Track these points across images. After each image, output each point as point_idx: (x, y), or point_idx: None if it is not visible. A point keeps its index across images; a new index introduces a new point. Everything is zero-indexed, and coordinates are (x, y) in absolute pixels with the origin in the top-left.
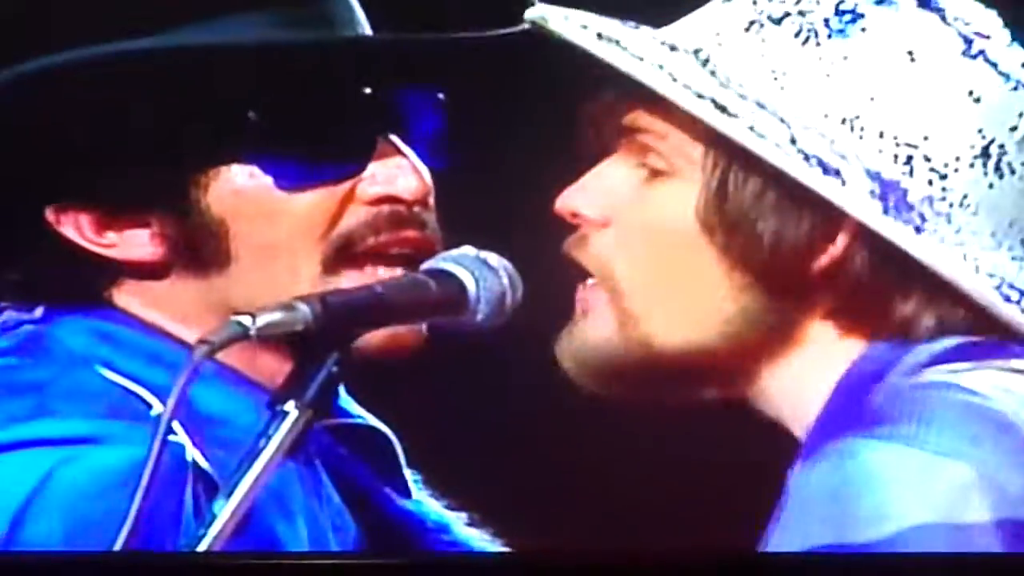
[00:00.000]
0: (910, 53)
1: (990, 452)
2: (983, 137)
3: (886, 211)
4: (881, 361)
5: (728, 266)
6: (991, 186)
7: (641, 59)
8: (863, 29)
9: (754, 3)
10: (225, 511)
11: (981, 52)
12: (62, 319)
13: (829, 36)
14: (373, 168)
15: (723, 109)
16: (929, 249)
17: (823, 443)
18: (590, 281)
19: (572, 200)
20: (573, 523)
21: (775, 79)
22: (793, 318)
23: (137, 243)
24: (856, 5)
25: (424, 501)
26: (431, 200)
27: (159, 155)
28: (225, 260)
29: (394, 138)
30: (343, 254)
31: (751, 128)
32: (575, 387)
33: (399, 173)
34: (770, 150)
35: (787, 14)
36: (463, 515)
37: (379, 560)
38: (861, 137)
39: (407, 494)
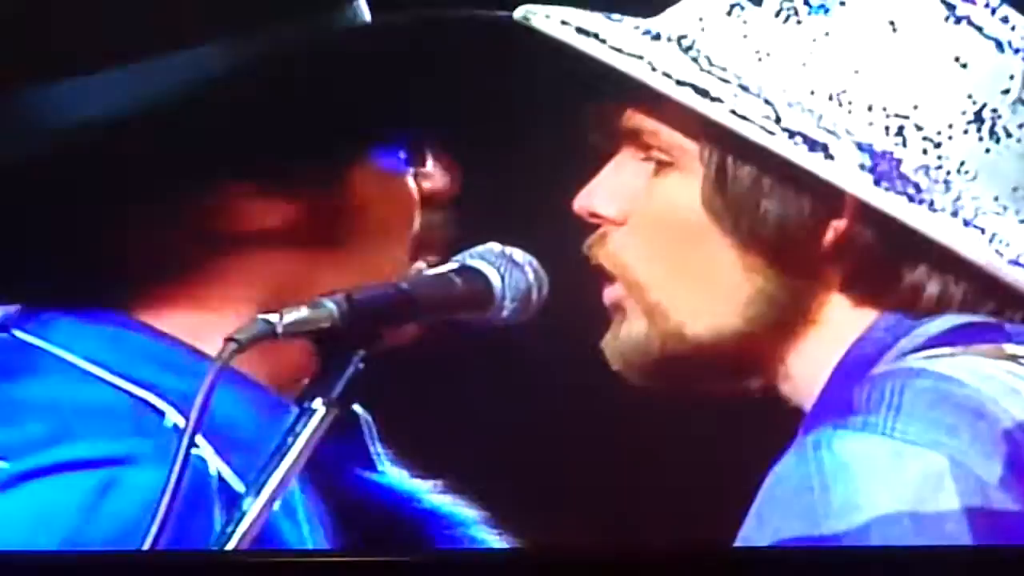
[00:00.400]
0: (892, 23)
1: (965, 441)
2: (974, 102)
3: (877, 182)
4: (878, 344)
5: (739, 249)
6: (987, 151)
7: (620, 50)
8: (842, 3)
9: None
10: (253, 508)
11: (965, 17)
12: (55, 322)
13: (810, 13)
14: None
15: (704, 93)
16: (922, 217)
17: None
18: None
19: (589, 200)
20: (583, 519)
21: (759, 60)
22: (808, 296)
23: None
24: None
25: (391, 472)
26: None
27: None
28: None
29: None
30: (423, 243)
31: (733, 111)
32: (595, 384)
33: (444, 172)
34: (754, 131)
35: None
36: (433, 483)
37: (382, 558)
38: (850, 111)
39: (373, 468)
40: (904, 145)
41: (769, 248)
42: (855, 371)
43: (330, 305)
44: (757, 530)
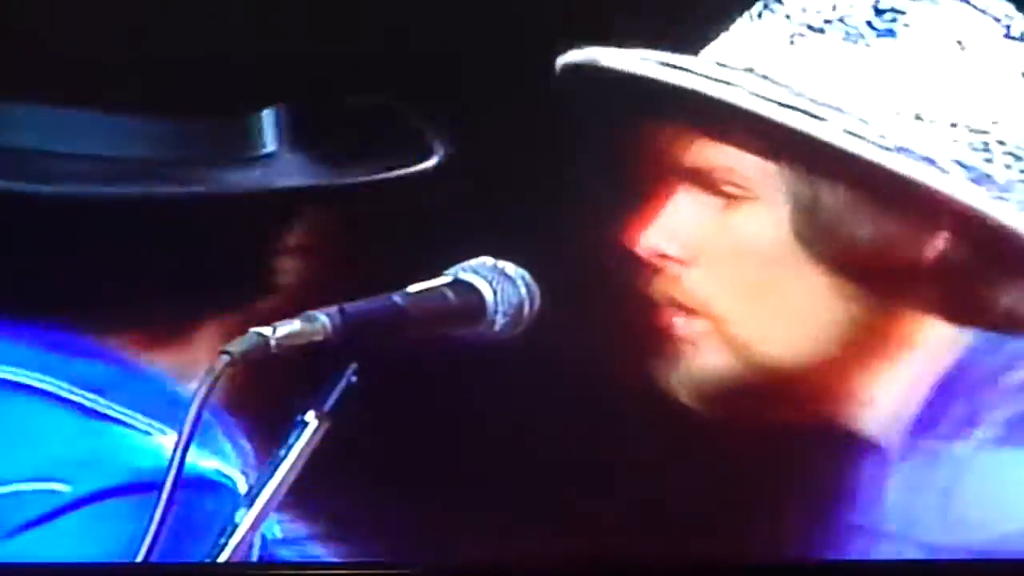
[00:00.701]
0: (959, 42)
1: None
2: None
3: (994, 197)
4: (985, 360)
5: (829, 275)
6: None
7: (717, 80)
8: (906, 25)
9: (787, 17)
10: (247, 519)
11: (1021, 32)
12: None
13: (877, 36)
14: None
15: (810, 114)
16: None
17: (937, 437)
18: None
19: (654, 240)
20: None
21: (836, 85)
22: (903, 318)
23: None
24: (894, 3)
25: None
26: None
27: None
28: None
29: None
30: None
31: (847, 130)
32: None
33: None
34: (869, 149)
35: (828, 21)
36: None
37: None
38: (935, 130)
39: None
40: (991, 161)
41: (863, 270)
42: (969, 383)
43: (323, 318)
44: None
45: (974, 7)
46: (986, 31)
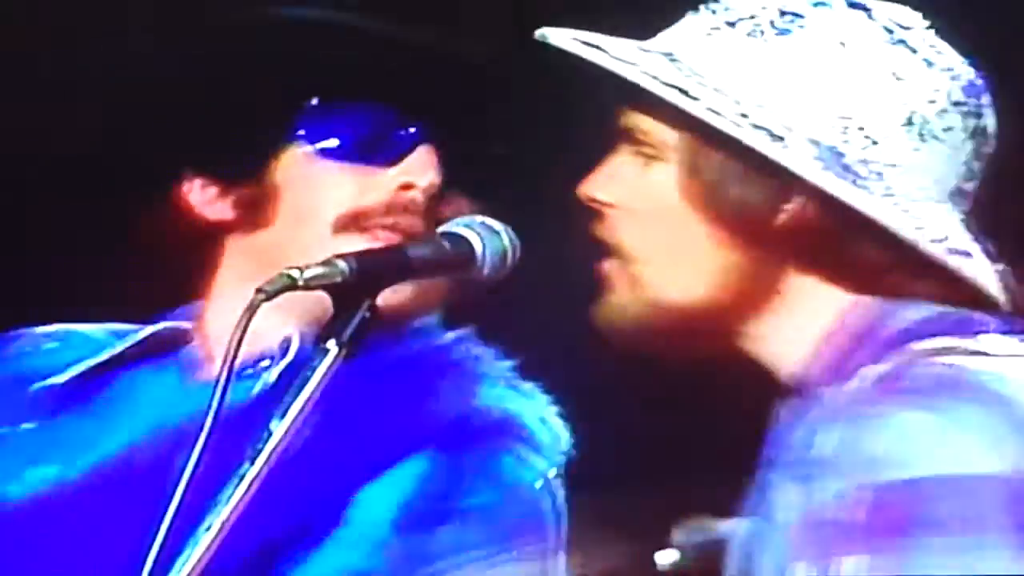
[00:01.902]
0: (842, 43)
1: (995, 421)
2: (907, 109)
3: (826, 169)
4: (866, 318)
5: (710, 229)
6: (916, 149)
7: (619, 59)
8: (801, 27)
9: (713, 13)
10: (278, 431)
11: (902, 40)
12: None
13: (776, 34)
14: (408, 163)
15: (685, 93)
16: (862, 198)
17: (822, 388)
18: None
19: (589, 188)
20: None
21: (732, 71)
22: (771, 271)
23: (220, 207)
24: (797, 7)
25: None
26: (442, 197)
27: (265, 125)
28: (269, 221)
29: (431, 146)
30: (355, 223)
31: (709, 108)
32: None
33: (425, 170)
34: (726, 124)
35: (740, 18)
36: None
37: None
38: (805, 112)
39: None
40: (848, 142)
41: (735, 227)
42: (853, 339)
43: (341, 264)
44: (830, 484)
45: (870, 16)
46: (871, 35)
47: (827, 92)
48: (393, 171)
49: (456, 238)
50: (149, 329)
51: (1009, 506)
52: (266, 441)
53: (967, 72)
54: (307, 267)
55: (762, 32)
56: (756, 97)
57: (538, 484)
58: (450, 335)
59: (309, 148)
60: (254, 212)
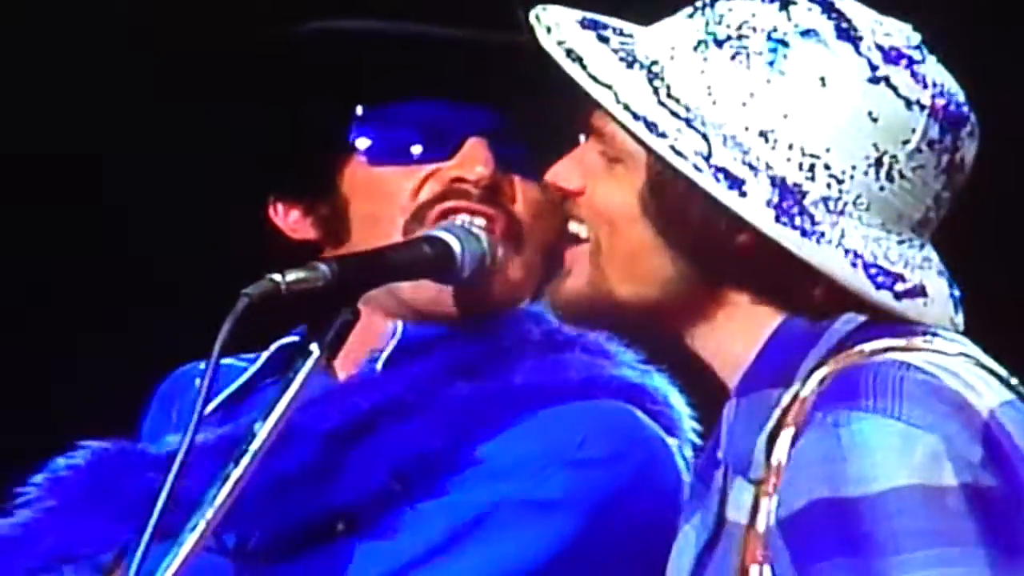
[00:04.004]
0: (822, 79)
1: (954, 427)
2: (877, 150)
3: (778, 218)
4: (802, 328)
5: (666, 242)
6: (882, 188)
7: (595, 79)
8: (785, 57)
9: (706, 24)
10: (263, 431)
11: (884, 78)
12: None
13: (759, 62)
14: (459, 157)
15: (653, 128)
16: (809, 249)
17: (756, 391)
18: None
19: (554, 174)
20: None
21: (709, 94)
22: (717, 285)
23: (305, 227)
24: (785, 35)
25: None
26: (498, 186)
27: (324, 143)
28: (348, 233)
29: (481, 139)
30: (418, 219)
31: (672, 147)
32: None
33: (475, 163)
34: (686, 167)
35: (729, 37)
36: None
37: None
38: (773, 148)
39: None
40: (812, 180)
41: (689, 246)
42: (791, 347)
43: (323, 267)
44: (791, 492)
45: (857, 50)
46: (853, 73)
47: (799, 130)
48: (445, 166)
49: (436, 241)
50: (272, 349)
51: (976, 517)
52: (250, 442)
53: (949, 103)
54: (289, 271)
55: (747, 57)
56: (727, 126)
57: (672, 443)
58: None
59: (364, 156)
60: (334, 228)
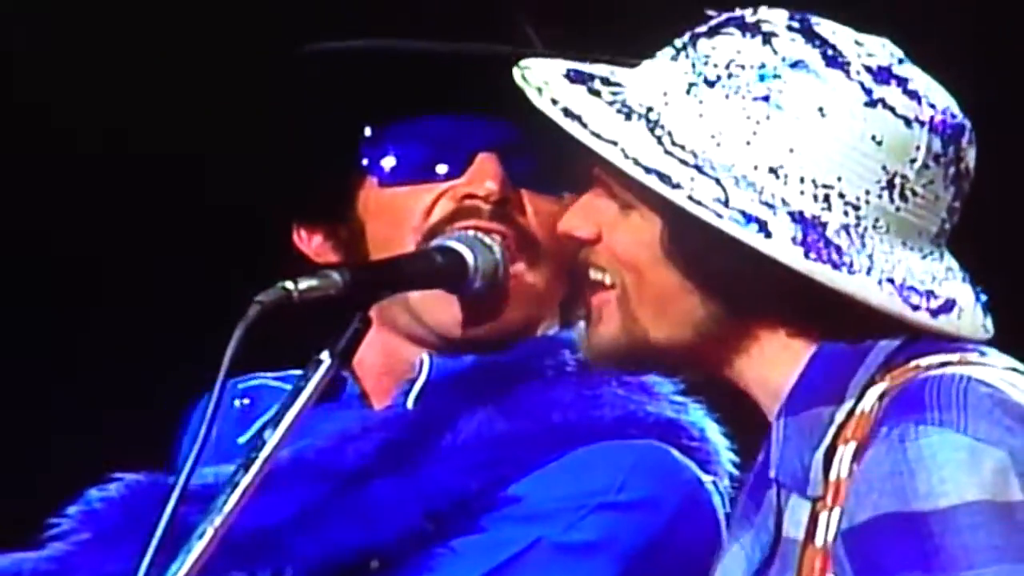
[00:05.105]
0: (820, 109)
1: (1019, 440)
2: (886, 172)
3: (807, 255)
4: (843, 349)
5: (692, 284)
6: (898, 209)
7: (599, 136)
8: (780, 91)
9: (693, 66)
10: (273, 439)
11: (880, 100)
12: None
13: (755, 99)
14: (469, 174)
15: (667, 180)
16: (843, 280)
17: (805, 411)
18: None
19: (567, 223)
20: None
21: (712, 137)
22: (750, 321)
23: (328, 251)
24: (775, 69)
25: None
26: (510, 201)
27: (338, 165)
28: (367, 255)
29: (490, 154)
30: (430, 239)
31: (690, 197)
32: None
33: (485, 178)
34: (707, 215)
35: (719, 77)
36: None
37: None
38: (785, 183)
39: None
40: (829, 210)
41: (719, 290)
42: (844, 365)
43: (335, 275)
44: (857, 505)
45: (847, 76)
46: (849, 99)
47: (807, 162)
48: (456, 184)
49: (448, 251)
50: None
51: None
52: (259, 449)
53: (946, 115)
54: (302, 279)
55: (742, 97)
56: (737, 167)
57: (707, 479)
58: None
59: (375, 177)
60: (354, 250)
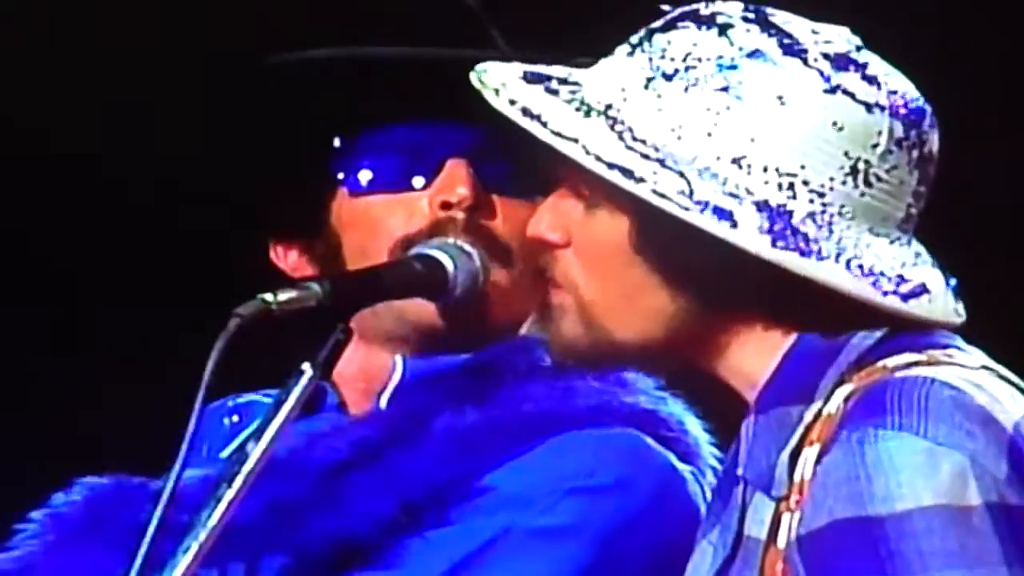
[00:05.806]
0: (780, 98)
1: (980, 443)
2: (849, 158)
3: (774, 243)
4: (817, 345)
5: (661, 278)
6: (863, 195)
7: (560, 134)
8: (739, 82)
9: (650, 61)
10: (256, 451)
11: (839, 86)
12: None
13: (714, 90)
14: (439, 180)
15: (629, 174)
16: (812, 267)
17: (775, 408)
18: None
19: (536, 228)
20: None
21: (672, 130)
22: (723, 313)
23: (305, 266)
24: (733, 60)
25: None
26: (482, 206)
27: (310, 178)
28: (343, 266)
29: (460, 159)
30: (405, 250)
31: (654, 190)
32: None
33: (456, 184)
34: (673, 207)
35: (677, 71)
36: None
37: None
38: (749, 173)
39: None
40: (794, 198)
41: (689, 283)
42: (813, 360)
43: (315, 287)
44: (814, 511)
45: (805, 63)
46: (808, 86)
47: (770, 151)
48: (430, 191)
49: (428, 259)
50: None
51: (1002, 536)
52: (242, 463)
53: (907, 100)
54: (281, 291)
55: (700, 89)
56: (699, 159)
57: (684, 468)
58: None
59: (345, 188)
60: (332, 264)
